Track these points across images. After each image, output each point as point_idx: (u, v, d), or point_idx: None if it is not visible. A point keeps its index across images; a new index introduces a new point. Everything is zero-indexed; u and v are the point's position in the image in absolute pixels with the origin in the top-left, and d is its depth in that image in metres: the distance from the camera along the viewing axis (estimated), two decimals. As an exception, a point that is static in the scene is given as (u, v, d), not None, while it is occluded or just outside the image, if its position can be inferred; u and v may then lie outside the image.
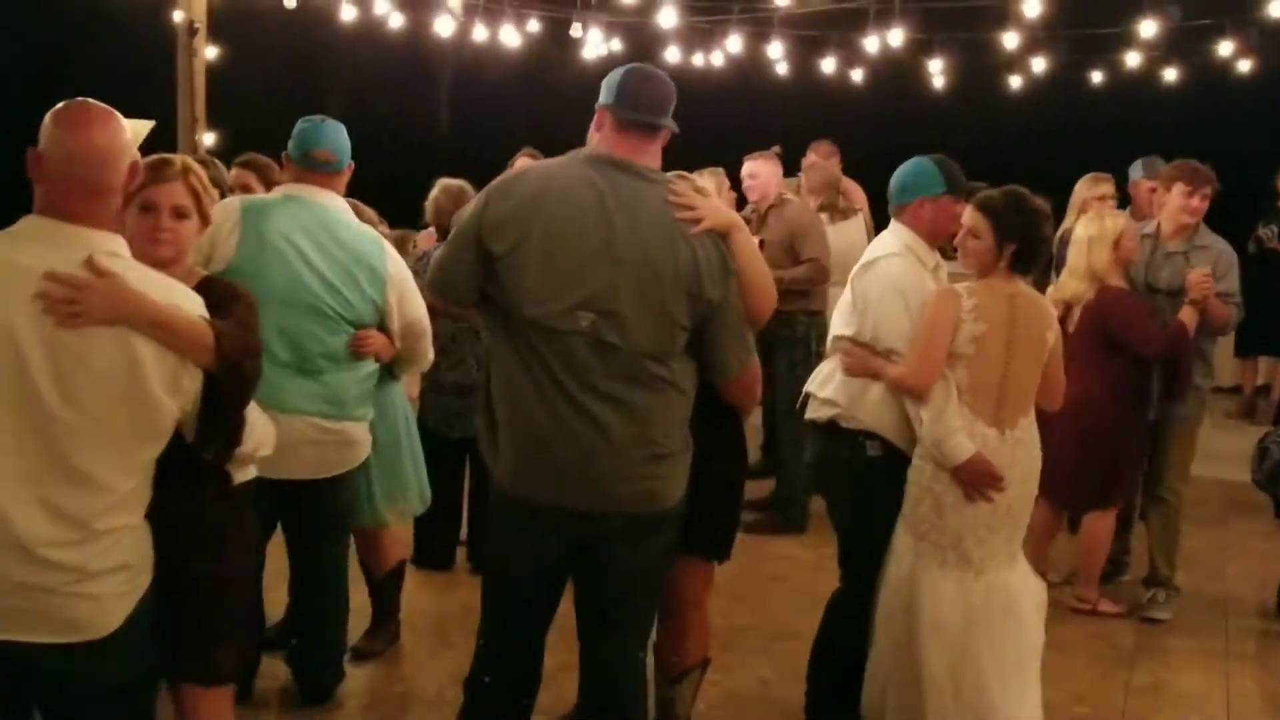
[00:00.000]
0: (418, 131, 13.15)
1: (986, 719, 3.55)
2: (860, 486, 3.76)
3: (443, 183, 5.32)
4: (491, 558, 3.31)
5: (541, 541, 3.10)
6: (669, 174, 3.14)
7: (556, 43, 9.34)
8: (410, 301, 3.96)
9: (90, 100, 2.50)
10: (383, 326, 3.91)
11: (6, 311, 2.35)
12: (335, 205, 3.87)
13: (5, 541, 2.38)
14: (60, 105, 2.48)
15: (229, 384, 2.54)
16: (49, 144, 2.45)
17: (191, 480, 2.71)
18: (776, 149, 6.59)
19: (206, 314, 2.57)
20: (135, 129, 3.07)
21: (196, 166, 2.91)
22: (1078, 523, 5.41)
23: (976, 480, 3.52)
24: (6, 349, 2.35)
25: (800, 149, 7.50)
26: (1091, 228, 4.95)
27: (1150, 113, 11.61)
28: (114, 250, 2.47)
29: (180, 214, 2.84)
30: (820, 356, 5.80)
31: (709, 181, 5.19)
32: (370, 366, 3.90)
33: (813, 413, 3.85)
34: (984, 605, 3.56)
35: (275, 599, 4.19)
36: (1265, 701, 4.41)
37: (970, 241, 3.65)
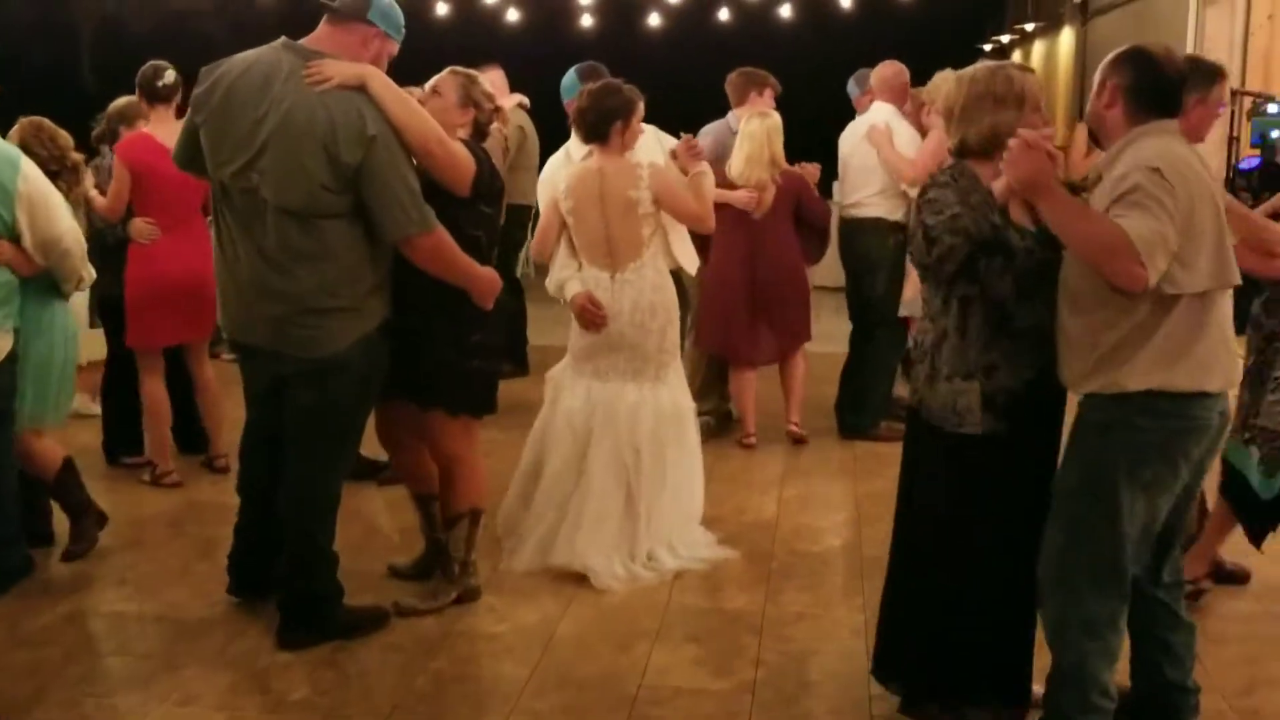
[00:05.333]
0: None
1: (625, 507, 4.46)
2: None
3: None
4: None
5: (251, 375, 3.89)
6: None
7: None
8: (45, 220, 4.11)
9: None
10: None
11: None
12: None
13: None
14: None
15: None
16: None
17: None
18: None
19: None
20: None
21: None
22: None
23: (582, 314, 4.48)
24: None
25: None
26: (765, 122, 5.94)
27: (770, 43, 12.96)
28: None
29: None
30: None
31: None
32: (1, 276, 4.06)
33: None
34: (603, 404, 4.50)
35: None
36: (885, 498, 5.43)
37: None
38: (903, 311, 6.11)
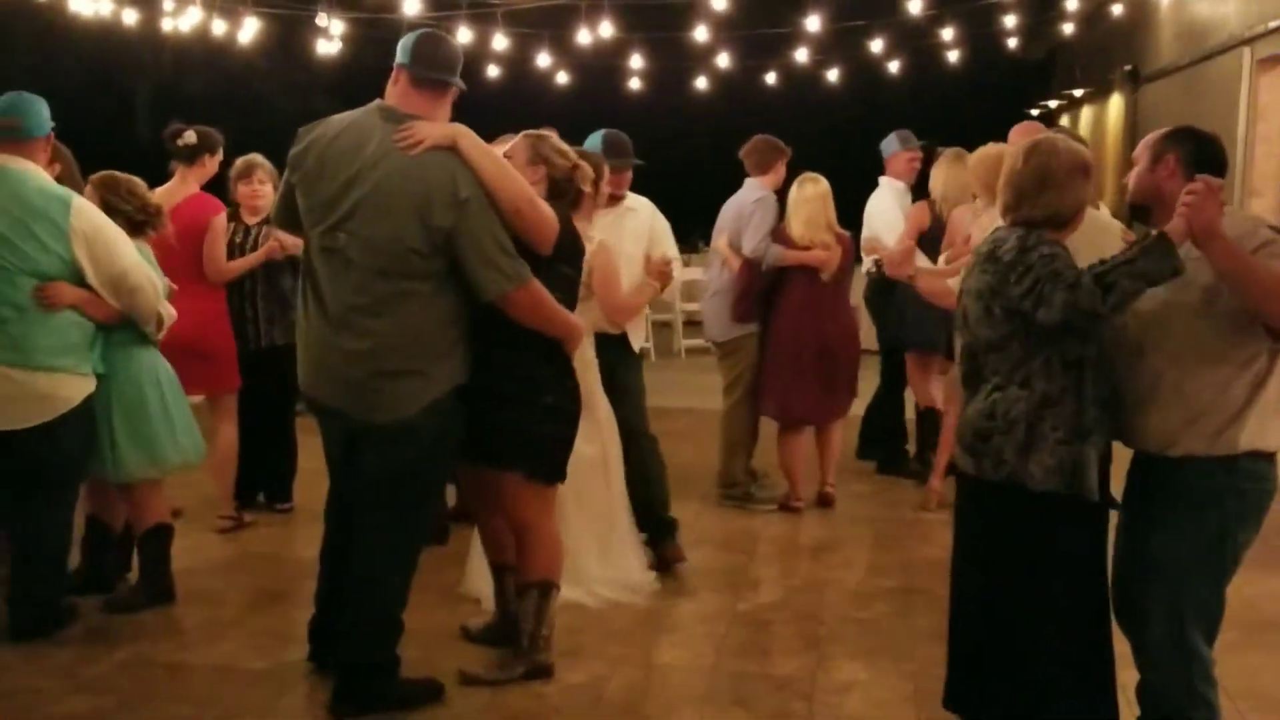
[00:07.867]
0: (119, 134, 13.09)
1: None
2: None
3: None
4: None
5: (326, 434, 3.88)
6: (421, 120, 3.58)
7: (286, 41, 9.59)
8: (108, 257, 4.16)
9: None
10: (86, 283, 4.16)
11: None
12: (22, 168, 4.14)
13: None
14: None
15: None
16: None
17: None
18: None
19: None
20: None
21: None
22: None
23: None
24: None
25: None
26: (818, 187, 6.03)
27: (818, 108, 13.09)
28: None
29: None
30: None
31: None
32: (67, 319, 4.12)
33: None
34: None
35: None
36: (936, 566, 5.42)
37: None
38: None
